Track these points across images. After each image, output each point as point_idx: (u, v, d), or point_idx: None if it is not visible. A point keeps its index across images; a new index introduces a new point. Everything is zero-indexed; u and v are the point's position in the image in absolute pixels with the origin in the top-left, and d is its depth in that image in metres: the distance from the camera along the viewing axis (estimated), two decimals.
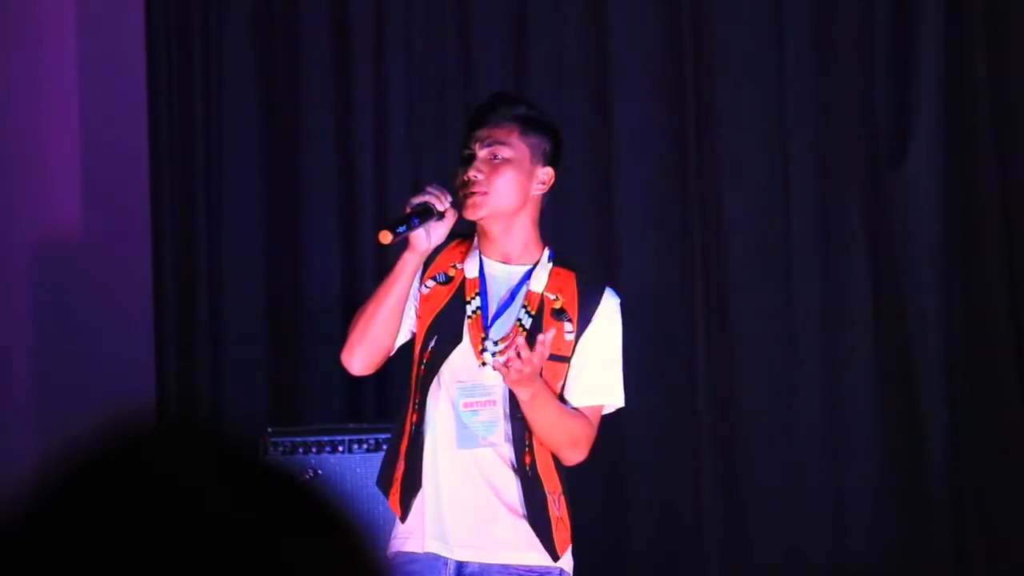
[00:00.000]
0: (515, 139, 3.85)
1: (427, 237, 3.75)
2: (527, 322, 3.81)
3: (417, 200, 3.75)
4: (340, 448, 5.14)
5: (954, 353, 5.68)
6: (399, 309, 3.79)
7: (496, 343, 3.77)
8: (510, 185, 3.83)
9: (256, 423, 5.43)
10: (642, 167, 5.82)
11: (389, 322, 3.79)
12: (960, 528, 5.66)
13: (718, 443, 5.73)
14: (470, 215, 3.82)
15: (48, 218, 6.00)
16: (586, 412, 3.83)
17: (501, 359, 3.67)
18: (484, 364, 3.77)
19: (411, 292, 3.83)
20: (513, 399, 3.74)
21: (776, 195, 5.79)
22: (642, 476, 5.73)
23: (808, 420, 5.73)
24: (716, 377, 5.74)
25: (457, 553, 3.79)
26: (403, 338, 3.86)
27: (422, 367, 3.81)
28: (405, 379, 3.89)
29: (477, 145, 3.85)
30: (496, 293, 3.85)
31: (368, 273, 5.72)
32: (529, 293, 3.84)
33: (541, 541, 3.78)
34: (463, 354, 3.79)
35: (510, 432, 3.77)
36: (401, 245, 3.76)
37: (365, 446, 5.13)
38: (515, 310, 3.82)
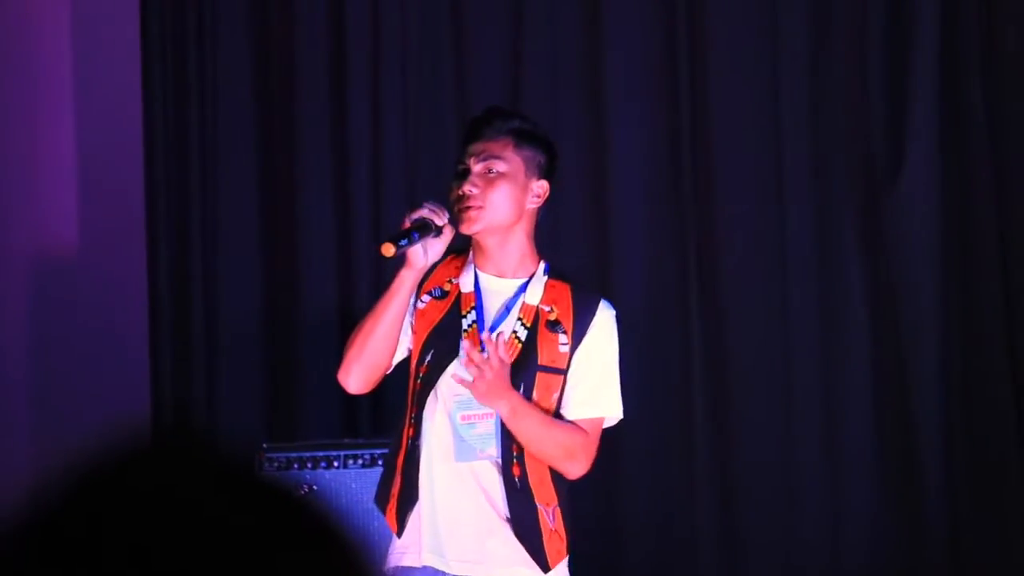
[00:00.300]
0: (510, 153, 3.86)
1: (424, 254, 3.75)
2: (522, 334, 3.81)
3: (416, 215, 3.75)
4: (335, 463, 5.14)
5: (949, 357, 5.69)
6: (396, 327, 3.79)
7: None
8: (505, 199, 3.83)
9: (251, 438, 5.43)
10: (637, 170, 5.82)
11: (387, 340, 3.79)
12: (955, 530, 5.66)
13: (714, 454, 5.72)
14: (466, 229, 3.82)
15: (43, 223, 5.99)
16: (583, 424, 3.82)
17: (470, 377, 3.67)
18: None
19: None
20: None
21: (771, 199, 5.79)
22: (638, 487, 5.73)
23: (804, 430, 5.72)
24: (712, 386, 5.74)
25: (454, 567, 3.78)
26: (400, 355, 3.85)
27: (418, 381, 3.81)
28: (401, 394, 3.88)
29: (472, 159, 3.85)
30: (492, 307, 3.85)
31: (363, 277, 5.73)
32: (524, 305, 3.84)
33: (530, 553, 3.78)
34: (459, 368, 3.78)
35: (500, 445, 3.77)
36: (398, 262, 3.76)
37: (360, 461, 5.13)
38: (510, 323, 3.82)
